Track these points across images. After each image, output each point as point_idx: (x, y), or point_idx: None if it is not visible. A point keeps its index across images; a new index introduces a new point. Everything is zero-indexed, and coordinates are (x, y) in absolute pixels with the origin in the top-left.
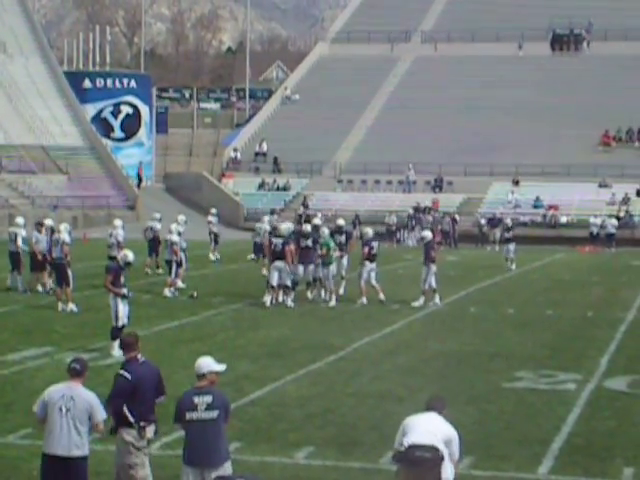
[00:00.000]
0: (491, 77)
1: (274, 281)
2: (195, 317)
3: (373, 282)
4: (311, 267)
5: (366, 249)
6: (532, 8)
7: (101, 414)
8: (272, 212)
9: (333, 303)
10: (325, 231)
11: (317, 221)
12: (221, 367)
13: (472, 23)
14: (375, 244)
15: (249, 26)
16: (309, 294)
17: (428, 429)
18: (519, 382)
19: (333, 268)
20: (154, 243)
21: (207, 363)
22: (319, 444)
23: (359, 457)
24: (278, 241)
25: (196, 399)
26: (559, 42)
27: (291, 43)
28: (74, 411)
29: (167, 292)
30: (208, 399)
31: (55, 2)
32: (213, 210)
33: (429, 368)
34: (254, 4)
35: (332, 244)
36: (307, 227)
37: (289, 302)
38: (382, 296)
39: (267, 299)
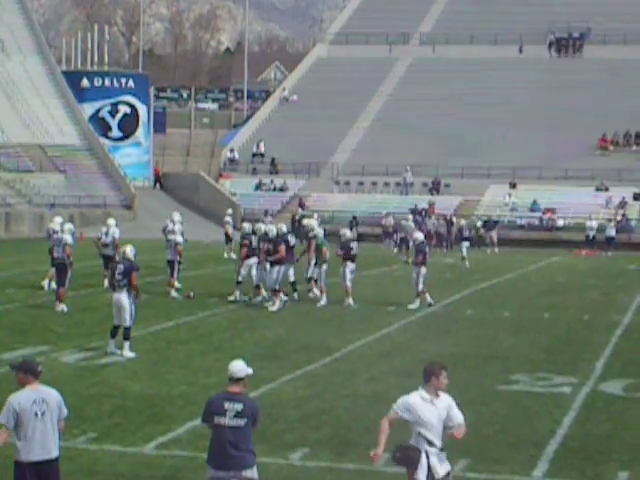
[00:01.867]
0: (489, 80)
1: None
2: (191, 317)
3: (348, 283)
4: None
5: (342, 251)
6: (531, 11)
7: (65, 410)
8: (266, 213)
9: (324, 302)
10: (320, 232)
11: (308, 221)
12: (250, 370)
13: (471, 26)
14: (355, 244)
15: (247, 26)
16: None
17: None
18: (515, 385)
19: (326, 268)
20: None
21: (243, 367)
22: (314, 445)
23: (354, 458)
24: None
25: (226, 404)
26: (558, 46)
27: (289, 44)
28: (49, 412)
29: (173, 293)
30: (238, 407)
31: (54, 1)
32: (229, 211)
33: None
34: (253, 4)
35: (326, 245)
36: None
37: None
38: (351, 300)
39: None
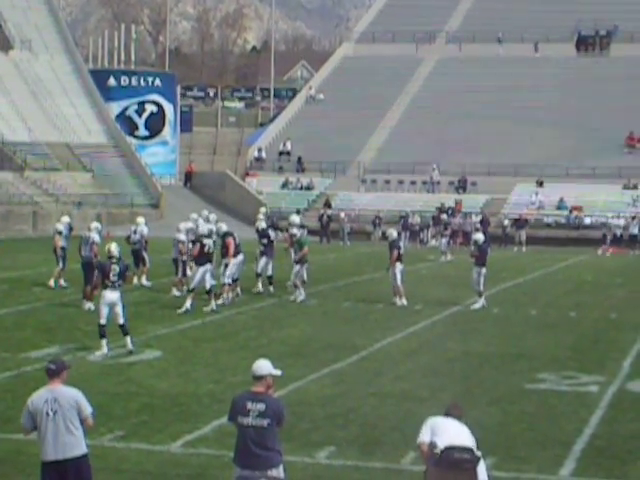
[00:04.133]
0: (516, 78)
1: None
2: (218, 316)
3: (398, 283)
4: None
5: (395, 251)
6: (557, 9)
7: (88, 408)
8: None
9: (302, 297)
10: (300, 231)
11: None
12: (278, 372)
13: (497, 24)
14: (402, 244)
15: (274, 25)
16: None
17: (458, 431)
18: (541, 384)
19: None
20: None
21: (267, 365)
22: (341, 444)
23: (381, 457)
24: (209, 242)
25: (249, 405)
26: (584, 43)
27: (316, 43)
28: (61, 412)
29: (175, 292)
30: (261, 407)
31: (81, 0)
32: (262, 209)
33: (451, 369)
34: (279, 3)
35: (308, 243)
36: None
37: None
38: (404, 301)
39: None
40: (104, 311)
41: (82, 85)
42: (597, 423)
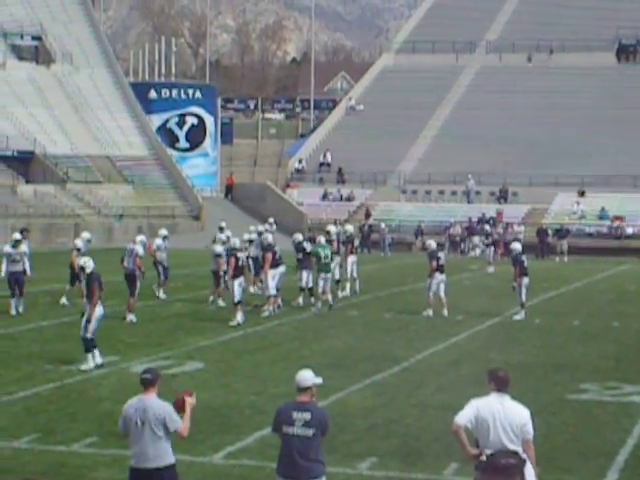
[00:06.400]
0: (556, 87)
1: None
2: (259, 327)
3: (442, 294)
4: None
5: (434, 262)
6: (598, 18)
7: (176, 423)
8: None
9: (319, 306)
10: (321, 240)
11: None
12: (319, 380)
13: (537, 32)
14: (442, 255)
15: (314, 36)
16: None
17: (506, 427)
18: (584, 394)
19: (324, 275)
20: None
21: (310, 376)
22: (382, 455)
23: (423, 468)
24: (242, 255)
25: (295, 414)
26: (625, 52)
27: (355, 53)
28: (148, 423)
29: (221, 302)
30: (307, 416)
31: (121, 13)
32: (270, 219)
33: None
34: (319, 14)
35: (323, 253)
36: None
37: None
38: (446, 311)
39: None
40: (96, 325)
41: (123, 98)
42: None
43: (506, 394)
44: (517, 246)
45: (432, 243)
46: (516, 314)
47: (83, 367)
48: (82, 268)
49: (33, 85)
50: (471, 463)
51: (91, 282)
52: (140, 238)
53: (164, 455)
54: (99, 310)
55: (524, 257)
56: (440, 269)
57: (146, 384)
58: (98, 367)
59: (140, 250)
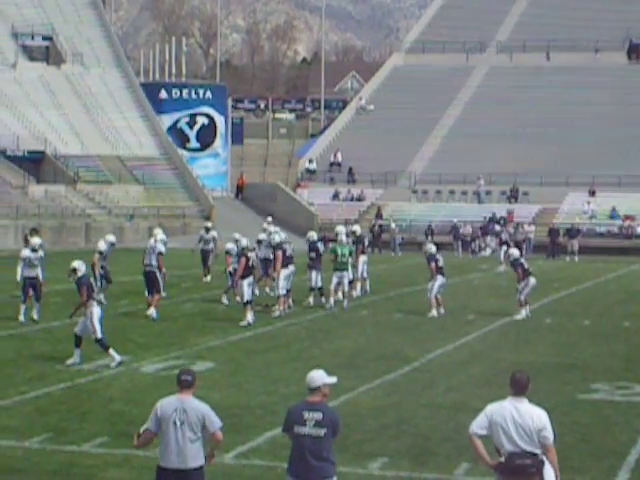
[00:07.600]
0: (566, 87)
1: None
2: (270, 327)
3: (438, 295)
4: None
5: (433, 264)
6: (608, 17)
7: (216, 423)
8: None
9: (330, 304)
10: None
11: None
12: (333, 380)
13: (548, 33)
14: (440, 257)
15: (324, 37)
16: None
17: (520, 431)
18: (595, 394)
19: (339, 274)
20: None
21: (321, 376)
22: (393, 455)
23: (433, 468)
24: (252, 255)
25: (306, 414)
26: (636, 51)
27: (366, 53)
28: (188, 423)
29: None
30: (318, 416)
31: (132, 14)
32: (269, 218)
33: (504, 379)
34: (329, 14)
35: (341, 251)
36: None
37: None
38: (442, 310)
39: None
40: (98, 325)
41: (133, 98)
42: None
43: (523, 398)
44: (515, 252)
45: (432, 247)
46: (516, 314)
47: (68, 362)
48: (74, 270)
49: (44, 85)
50: (482, 463)
51: (80, 286)
52: (161, 237)
53: (197, 456)
54: (97, 311)
55: (522, 260)
56: (440, 271)
57: (186, 385)
58: (118, 365)
59: (162, 248)
